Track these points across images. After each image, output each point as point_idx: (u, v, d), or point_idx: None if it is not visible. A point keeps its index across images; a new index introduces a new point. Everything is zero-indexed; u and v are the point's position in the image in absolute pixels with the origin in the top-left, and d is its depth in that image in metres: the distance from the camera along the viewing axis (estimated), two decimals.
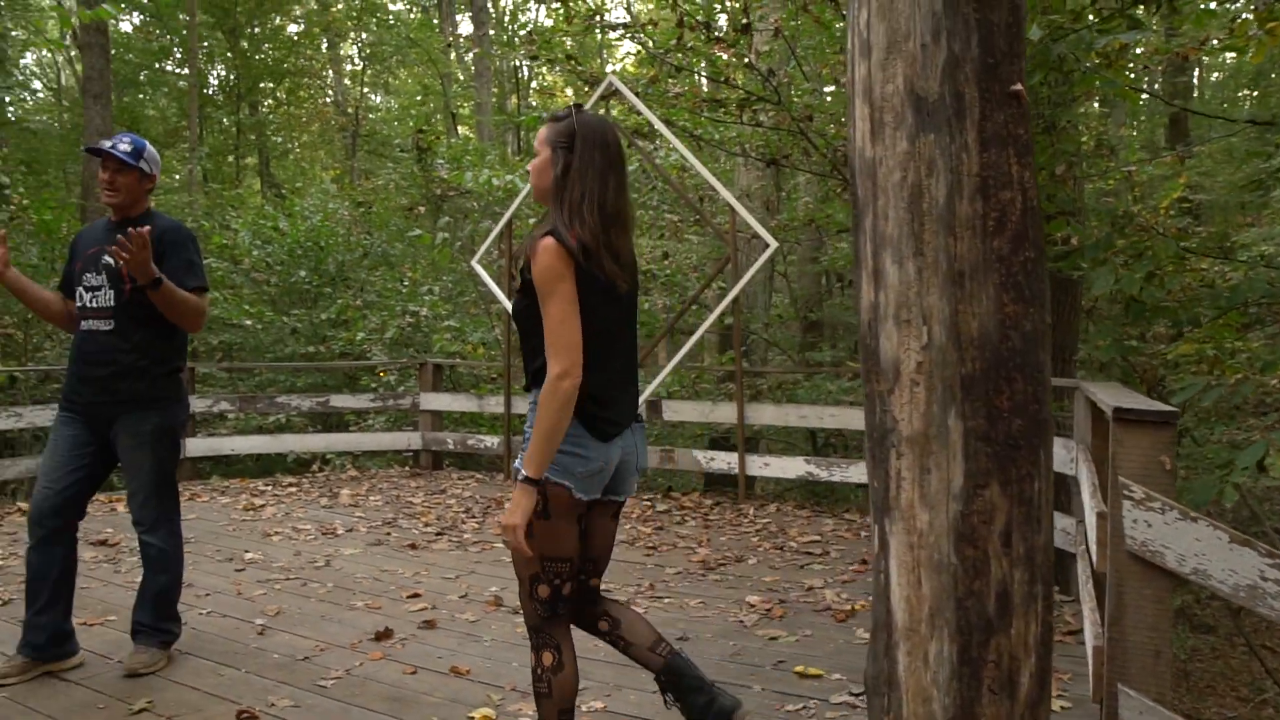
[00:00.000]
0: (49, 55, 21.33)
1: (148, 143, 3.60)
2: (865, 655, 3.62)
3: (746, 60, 6.80)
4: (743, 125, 7.61)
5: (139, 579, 3.65)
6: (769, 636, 3.87)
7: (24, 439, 9.72)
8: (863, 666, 3.51)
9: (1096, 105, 9.11)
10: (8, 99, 13.49)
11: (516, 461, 2.35)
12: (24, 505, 6.68)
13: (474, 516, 6.33)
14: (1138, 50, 5.56)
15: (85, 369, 3.47)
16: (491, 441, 7.93)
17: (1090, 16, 4.67)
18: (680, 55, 7.37)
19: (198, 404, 7.91)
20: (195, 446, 7.90)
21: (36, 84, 20.48)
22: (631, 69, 17.12)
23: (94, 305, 3.48)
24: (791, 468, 6.69)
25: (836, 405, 7.34)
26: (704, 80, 8.37)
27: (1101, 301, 7.88)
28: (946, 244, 1.49)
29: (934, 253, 1.49)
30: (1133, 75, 5.52)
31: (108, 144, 3.48)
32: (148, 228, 3.26)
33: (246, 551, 5.37)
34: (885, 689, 1.59)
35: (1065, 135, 4.96)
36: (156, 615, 3.60)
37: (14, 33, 14.63)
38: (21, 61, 18.96)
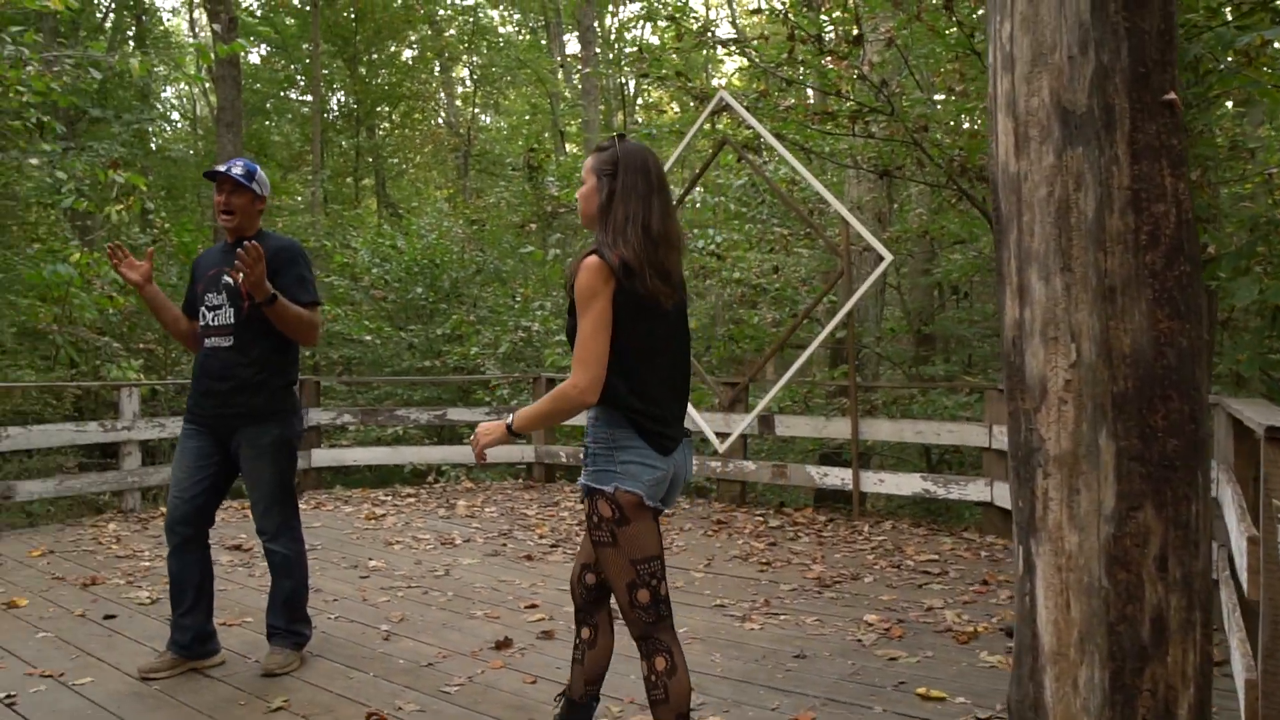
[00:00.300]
0: (186, 88, 22.64)
1: (258, 167, 3.77)
2: (990, 679, 3.52)
3: (858, 72, 6.73)
4: (854, 137, 7.53)
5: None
6: (888, 656, 3.79)
7: (163, 448, 10.30)
8: (988, 690, 3.40)
9: (1230, 105, 8.67)
10: (151, 129, 14.38)
11: (582, 478, 2.48)
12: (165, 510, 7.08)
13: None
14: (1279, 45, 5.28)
15: (208, 384, 3.64)
16: None
17: (1227, 13, 4.46)
18: (790, 69, 7.35)
19: (322, 415, 8.24)
20: (319, 457, 8.23)
21: (175, 115, 21.75)
22: (738, 83, 17.12)
23: (215, 323, 3.64)
24: (907, 484, 6.55)
25: (953, 421, 7.16)
26: (814, 92, 8.32)
27: (1238, 312, 7.48)
28: (1096, 259, 1.45)
29: (1083, 268, 1.46)
30: (1271, 72, 5.23)
31: (223, 168, 3.67)
32: (259, 245, 3.39)
33: (370, 559, 5.56)
34: (1031, 714, 1.54)
35: (1201, 139, 4.74)
36: (288, 618, 3.76)
37: (157, 68, 15.58)
38: (162, 94, 20.18)
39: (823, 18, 7.51)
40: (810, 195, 9.46)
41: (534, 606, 4.56)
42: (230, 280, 3.58)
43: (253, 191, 3.68)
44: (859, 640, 4.01)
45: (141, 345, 11.31)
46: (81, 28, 15.37)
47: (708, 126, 8.28)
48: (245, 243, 3.36)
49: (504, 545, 5.93)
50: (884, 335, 9.98)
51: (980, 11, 6.58)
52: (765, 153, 8.93)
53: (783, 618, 4.36)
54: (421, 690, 3.47)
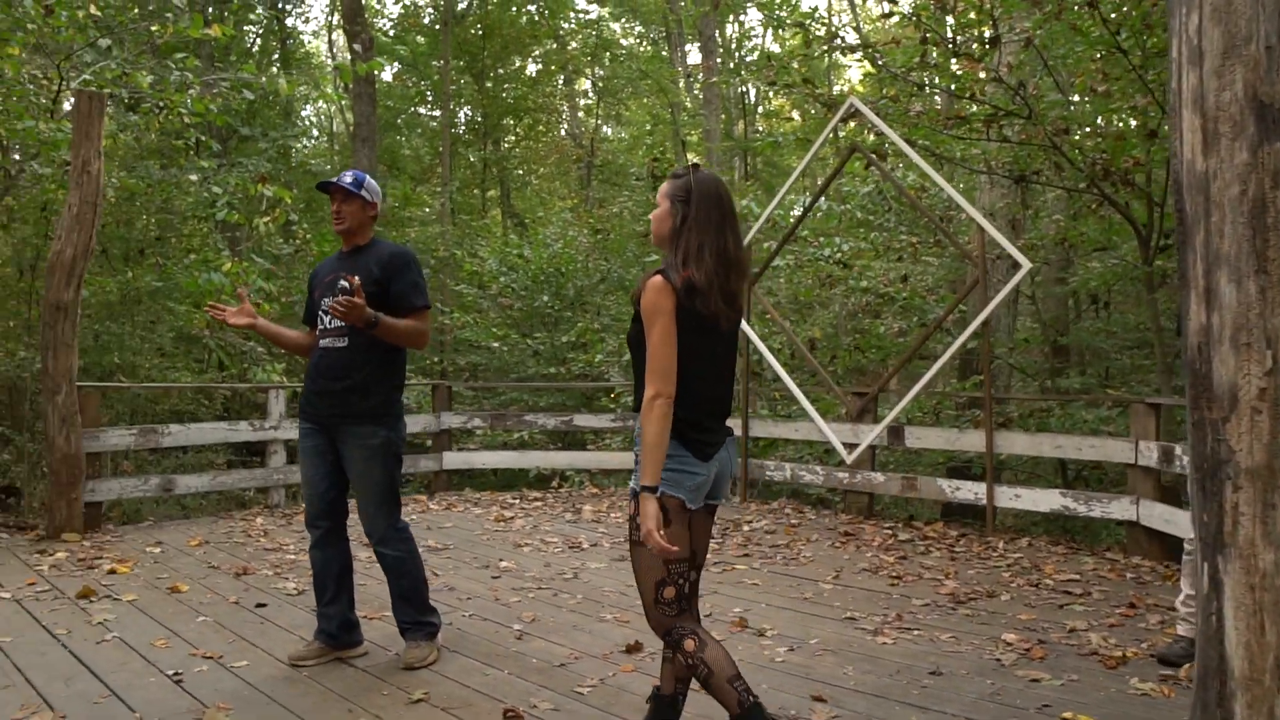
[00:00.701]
0: (324, 106, 23.75)
1: (368, 176, 3.90)
2: (1144, 708, 3.34)
3: (994, 74, 6.53)
4: (988, 141, 7.31)
5: None
6: (1030, 678, 3.65)
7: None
8: (1141, 719, 3.24)
9: None
10: (293, 146, 15.14)
11: (631, 483, 2.64)
12: None
13: (713, 538, 6.39)
14: None
15: (323, 383, 3.73)
16: None
17: None
18: (921, 73, 7.19)
19: (453, 419, 8.50)
20: (450, 460, 8.48)
21: (314, 131, 22.83)
22: (861, 89, 16.85)
23: (332, 326, 3.75)
24: (1044, 500, 6.29)
25: (1095, 435, 6.85)
26: (945, 96, 8.12)
27: None
28: None
29: None
30: None
31: (334, 179, 3.82)
32: (358, 280, 3.52)
33: (500, 560, 5.69)
34: None
35: None
36: (415, 612, 3.85)
37: (301, 88, 16.41)
38: (303, 113, 21.22)
39: (948, 19, 7.33)
40: (940, 202, 9.23)
41: None
42: (346, 284, 3.66)
43: (362, 199, 3.81)
44: (998, 659, 3.87)
45: (283, 351, 11.88)
46: (232, 52, 16.32)
47: (833, 135, 8.18)
48: (341, 284, 3.50)
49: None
50: (1017, 346, 9.63)
51: (1125, 7, 6.30)
52: (892, 159, 8.75)
53: (916, 633, 4.25)
54: (555, 690, 3.52)
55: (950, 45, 6.50)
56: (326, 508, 3.81)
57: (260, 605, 4.63)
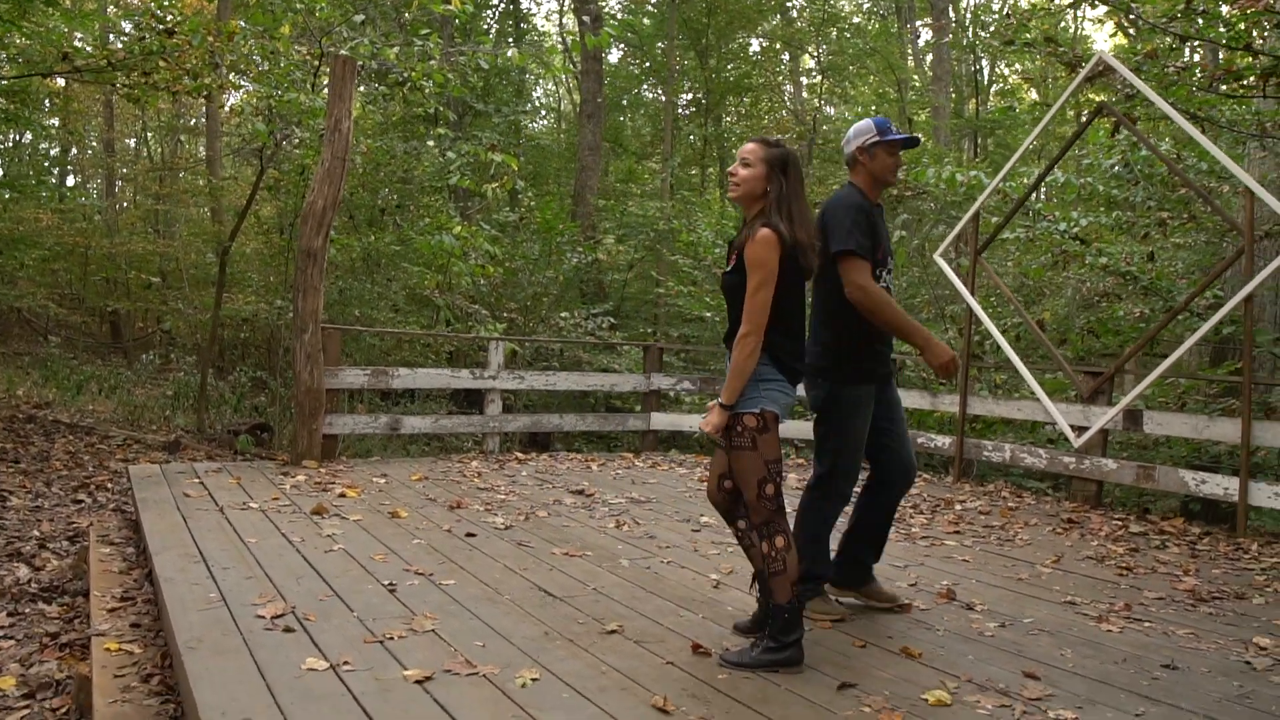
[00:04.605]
0: (553, 87, 24.64)
1: None
2: None
3: (1275, 14, 5.77)
4: (1264, 98, 6.50)
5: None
6: None
7: (517, 403, 11.26)
8: None
9: None
10: (524, 120, 15.82)
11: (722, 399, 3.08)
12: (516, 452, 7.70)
13: (922, 512, 6.11)
14: None
15: (889, 345, 3.84)
16: (943, 441, 7.60)
17: None
18: (1187, 24, 6.47)
19: (663, 381, 8.58)
20: (657, 420, 8.58)
21: (541, 111, 23.74)
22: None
23: (885, 283, 3.75)
24: None
25: None
26: (1210, 51, 7.29)
27: None
28: None
29: None
30: None
31: (897, 135, 3.65)
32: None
33: (702, 515, 5.68)
34: None
35: None
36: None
37: (530, 64, 17.08)
38: (533, 93, 22.12)
39: None
40: (1198, 175, 8.34)
41: None
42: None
43: None
44: (1247, 663, 3.44)
45: (505, 314, 12.46)
46: (472, 33, 17.21)
47: (1076, 99, 7.55)
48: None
49: None
50: None
51: None
52: (1144, 124, 7.98)
53: (1147, 624, 3.86)
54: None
55: None
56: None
57: (470, 535, 4.85)
